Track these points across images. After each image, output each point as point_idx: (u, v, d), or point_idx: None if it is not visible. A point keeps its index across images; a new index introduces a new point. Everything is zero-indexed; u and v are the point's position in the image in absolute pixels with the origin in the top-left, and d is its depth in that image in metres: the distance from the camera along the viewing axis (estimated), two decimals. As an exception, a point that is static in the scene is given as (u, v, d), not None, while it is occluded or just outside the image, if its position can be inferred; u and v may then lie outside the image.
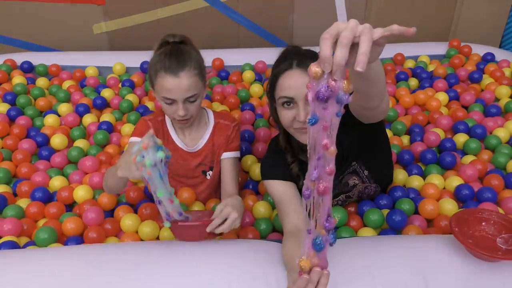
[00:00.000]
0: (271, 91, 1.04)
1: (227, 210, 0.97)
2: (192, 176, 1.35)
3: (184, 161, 1.32)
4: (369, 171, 1.19)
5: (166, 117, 1.31)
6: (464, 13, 2.40)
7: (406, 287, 0.88)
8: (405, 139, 1.66)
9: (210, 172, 1.34)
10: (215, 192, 1.39)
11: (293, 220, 1.01)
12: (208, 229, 0.95)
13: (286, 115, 1.00)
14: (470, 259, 0.91)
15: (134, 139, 1.25)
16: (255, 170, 1.48)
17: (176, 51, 1.15)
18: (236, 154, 1.32)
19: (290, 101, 0.99)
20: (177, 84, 1.12)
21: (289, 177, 1.13)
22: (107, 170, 1.17)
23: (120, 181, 1.08)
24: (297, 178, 1.14)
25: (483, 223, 0.97)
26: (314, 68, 0.56)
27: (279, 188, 1.11)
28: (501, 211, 1.21)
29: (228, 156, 1.31)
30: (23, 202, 1.35)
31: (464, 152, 1.56)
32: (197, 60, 1.18)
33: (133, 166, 0.88)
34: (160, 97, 1.17)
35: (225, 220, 0.97)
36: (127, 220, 1.24)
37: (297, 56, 0.99)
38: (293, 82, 0.97)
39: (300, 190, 1.14)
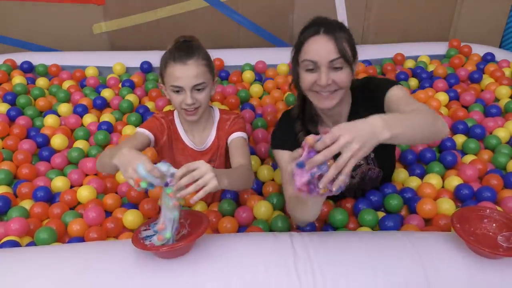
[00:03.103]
0: (295, 55, 1.09)
1: (200, 171, 0.89)
2: None
3: (194, 159, 1.31)
4: (375, 154, 1.22)
5: (175, 117, 1.34)
6: (464, 13, 2.40)
7: (406, 280, 0.89)
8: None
9: (215, 164, 1.36)
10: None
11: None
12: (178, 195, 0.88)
13: (307, 78, 1.06)
14: (471, 255, 0.91)
15: (141, 130, 1.26)
16: (261, 171, 1.49)
17: (185, 45, 1.22)
18: (238, 134, 1.30)
19: (313, 65, 1.04)
20: (185, 71, 1.17)
21: (295, 147, 1.14)
22: (109, 149, 1.21)
23: (113, 167, 1.03)
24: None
25: (484, 221, 0.97)
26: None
27: (286, 158, 1.12)
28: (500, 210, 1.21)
29: (231, 138, 1.30)
30: (26, 204, 1.35)
31: (464, 152, 1.56)
32: (206, 53, 1.24)
33: (130, 174, 0.90)
34: (169, 87, 1.21)
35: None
36: (129, 216, 1.24)
37: (325, 24, 1.05)
38: (319, 47, 1.03)
39: None
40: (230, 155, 1.28)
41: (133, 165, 0.90)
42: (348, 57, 1.03)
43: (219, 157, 1.35)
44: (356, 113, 1.15)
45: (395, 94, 1.09)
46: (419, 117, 0.89)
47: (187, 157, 1.33)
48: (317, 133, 1.13)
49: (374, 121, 0.77)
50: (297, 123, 1.19)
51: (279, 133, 1.21)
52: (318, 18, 1.09)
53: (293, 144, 1.13)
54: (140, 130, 1.26)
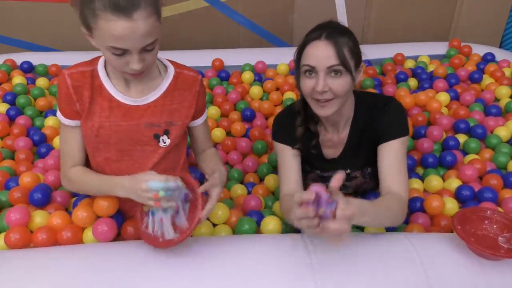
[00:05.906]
0: (297, 58, 1.08)
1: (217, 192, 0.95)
2: (141, 143, 1.04)
3: (128, 120, 1.01)
4: (372, 169, 1.20)
5: (99, 65, 1.02)
6: (464, 13, 2.40)
7: (407, 281, 0.89)
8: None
9: (165, 138, 1.05)
10: (173, 168, 1.11)
11: (290, 187, 1.14)
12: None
13: (306, 83, 1.04)
14: (472, 257, 0.91)
15: (64, 121, 1.02)
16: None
17: None
18: (206, 114, 1.16)
19: (311, 70, 1.02)
20: (131, 29, 0.84)
21: (295, 143, 1.16)
22: (86, 178, 1.03)
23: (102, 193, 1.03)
24: (298, 140, 1.17)
25: (485, 222, 0.97)
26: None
27: (284, 153, 1.17)
28: (500, 211, 1.21)
29: (200, 122, 1.13)
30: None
31: (465, 152, 1.56)
32: None
33: (146, 196, 0.89)
34: (105, 46, 0.88)
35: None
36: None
37: (328, 29, 1.02)
38: (318, 52, 1.00)
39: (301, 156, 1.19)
40: (194, 140, 1.17)
41: (143, 187, 0.89)
42: (347, 65, 1.00)
43: (176, 129, 1.05)
44: (356, 128, 1.16)
45: (394, 149, 1.08)
46: (385, 212, 0.98)
47: (118, 118, 1.01)
48: (316, 132, 1.16)
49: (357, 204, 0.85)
50: (299, 118, 1.17)
51: (280, 126, 1.20)
52: (324, 22, 1.06)
53: (292, 139, 1.16)
54: (64, 122, 1.02)
